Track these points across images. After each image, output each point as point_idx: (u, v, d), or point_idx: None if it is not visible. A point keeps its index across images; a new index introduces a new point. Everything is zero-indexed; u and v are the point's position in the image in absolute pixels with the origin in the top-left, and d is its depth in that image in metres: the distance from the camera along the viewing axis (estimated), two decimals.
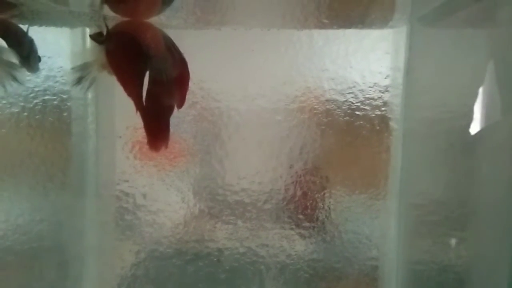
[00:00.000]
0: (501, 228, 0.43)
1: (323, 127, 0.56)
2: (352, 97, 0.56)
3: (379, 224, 0.57)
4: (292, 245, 0.58)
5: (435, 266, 0.52)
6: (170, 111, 0.35)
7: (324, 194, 0.57)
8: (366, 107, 0.56)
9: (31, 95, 0.54)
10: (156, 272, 0.59)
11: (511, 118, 0.42)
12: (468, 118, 0.47)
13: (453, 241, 0.50)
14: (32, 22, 0.49)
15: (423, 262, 0.53)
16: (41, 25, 0.51)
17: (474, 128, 0.47)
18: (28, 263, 0.55)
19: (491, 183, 0.46)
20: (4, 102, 0.53)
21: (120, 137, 0.57)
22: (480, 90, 0.46)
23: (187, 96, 0.55)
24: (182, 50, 0.42)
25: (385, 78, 0.55)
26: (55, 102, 0.56)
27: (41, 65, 0.54)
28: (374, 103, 0.56)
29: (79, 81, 0.36)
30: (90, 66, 0.35)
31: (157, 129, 0.35)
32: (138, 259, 0.59)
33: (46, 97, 0.55)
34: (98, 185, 0.59)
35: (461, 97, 0.49)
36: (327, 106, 0.56)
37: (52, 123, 0.56)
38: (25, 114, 0.54)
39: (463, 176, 0.49)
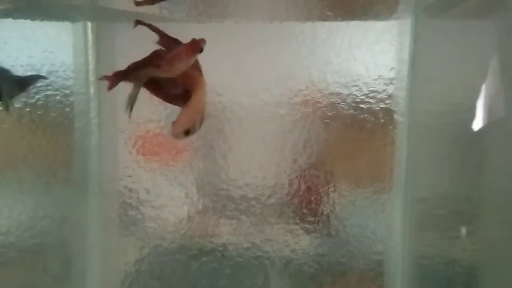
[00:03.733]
0: (508, 220, 0.43)
1: (327, 120, 0.56)
2: (357, 90, 0.55)
3: (384, 218, 0.56)
4: (297, 240, 0.57)
5: (441, 260, 0.51)
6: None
7: (328, 188, 0.57)
8: (371, 100, 0.55)
9: (33, 90, 0.53)
10: (160, 268, 0.58)
11: None
12: (474, 110, 0.46)
13: (463, 231, 0.50)
14: (33, 16, 0.49)
15: (429, 256, 0.53)
16: (42, 19, 0.51)
17: (480, 120, 0.47)
18: (31, 259, 0.55)
19: (497, 176, 0.45)
20: None
21: (123, 132, 0.57)
22: (486, 82, 0.46)
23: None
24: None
25: (390, 70, 0.55)
26: (58, 97, 0.56)
27: (43, 60, 0.54)
28: (379, 96, 0.55)
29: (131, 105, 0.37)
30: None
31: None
32: (142, 255, 0.58)
33: (49, 92, 0.55)
34: (101, 180, 0.59)
35: (467, 89, 0.48)
36: (331, 100, 0.56)
37: (54, 118, 0.56)
38: (28, 109, 0.53)
39: (469, 169, 0.49)
